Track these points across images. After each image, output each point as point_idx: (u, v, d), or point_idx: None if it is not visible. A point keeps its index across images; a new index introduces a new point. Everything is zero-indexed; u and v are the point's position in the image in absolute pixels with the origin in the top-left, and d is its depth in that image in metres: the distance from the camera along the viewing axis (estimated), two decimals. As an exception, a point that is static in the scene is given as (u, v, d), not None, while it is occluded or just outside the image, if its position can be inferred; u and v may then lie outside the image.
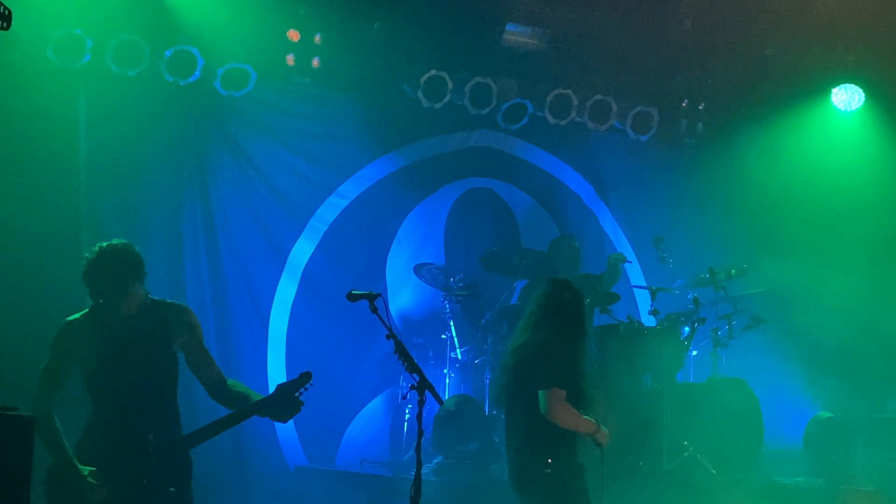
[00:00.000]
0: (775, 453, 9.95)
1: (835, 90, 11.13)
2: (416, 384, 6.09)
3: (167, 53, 9.43)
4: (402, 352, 6.18)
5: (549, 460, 6.64)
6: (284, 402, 6.29)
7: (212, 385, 6.36)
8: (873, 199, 10.80)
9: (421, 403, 6.08)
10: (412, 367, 6.17)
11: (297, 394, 6.34)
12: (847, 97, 11.11)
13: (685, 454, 9.29)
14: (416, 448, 6.08)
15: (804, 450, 10.03)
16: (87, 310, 6.17)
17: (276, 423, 9.73)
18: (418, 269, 10.13)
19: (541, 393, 6.63)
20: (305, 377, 6.39)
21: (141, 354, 6.14)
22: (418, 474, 6.04)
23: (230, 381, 6.40)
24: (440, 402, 6.20)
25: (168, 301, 6.30)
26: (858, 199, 10.82)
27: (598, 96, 11.00)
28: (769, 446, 9.81)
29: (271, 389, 9.63)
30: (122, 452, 6.02)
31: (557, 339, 6.74)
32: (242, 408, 6.23)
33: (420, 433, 6.05)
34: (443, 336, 9.97)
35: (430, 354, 10.04)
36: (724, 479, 9.04)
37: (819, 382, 10.44)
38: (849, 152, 11.15)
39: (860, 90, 11.09)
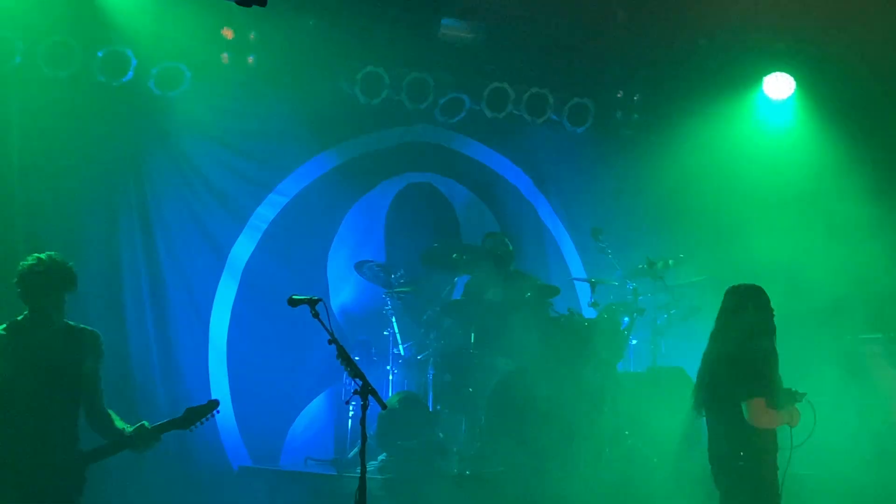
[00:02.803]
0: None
1: (766, 78, 11.27)
2: (358, 389, 6.16)
3: (99, 54, 9.33)
4: (344, 357, 6.27)
5: (742, 453, 6.88)
6: (185, 423, 6.58)
7: (95, 413, 6.46)
8: (804, 186, 10.95)
9: (364, 408, 6.14)
10: (355, 372, 6.24)
11: (202, 420, 6.52)
12: (778, 85, 11.26)
13: (626, 443, 9.42)
14: (360, 453, 6.14)
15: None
16: (6, 323, 6.25)
17: (218, 423, 9.82)
18: (359, 267, 10.13)
19: (743, 405, 6.82)
20: (213, 404, 6.53)
21: (52, 374, 6.24)
22: (363, 479, 6.10)
23: (111, 412, 6.52)
24: (383, 406, 6.27)
25: (83, 326, 6.46)
26: (790, 186, 10.96)
27: (535, 89, 11.05)
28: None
29: (213, 388, 9.86)
30: (21, 469, 6.10)
31: (753, 345, 6.90)
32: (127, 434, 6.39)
33: (364, 438, 6.12)
34: (385, 333, 9.98)
35: (373, 351, 10.04)
36: (665, 466, 9.16)
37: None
38: (780, 140, 11.30)
39: (791, 78, 11.24)
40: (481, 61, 10.88)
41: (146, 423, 6.50)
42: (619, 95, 11.61)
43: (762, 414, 6.83)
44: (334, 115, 10.57)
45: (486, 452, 9.19)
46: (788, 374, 7.13)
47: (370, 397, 6.17)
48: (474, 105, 10.92)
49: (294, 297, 6.36)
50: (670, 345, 10.41)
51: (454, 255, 10.08)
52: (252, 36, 9.93)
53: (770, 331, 7.02)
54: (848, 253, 10.15)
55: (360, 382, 6.18)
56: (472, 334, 9.67)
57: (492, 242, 10.30)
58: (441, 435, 9.38)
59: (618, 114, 11.67)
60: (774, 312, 7.10)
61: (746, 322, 6.98)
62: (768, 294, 7.18)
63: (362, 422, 6.11)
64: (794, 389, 7.01)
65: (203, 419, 6.60)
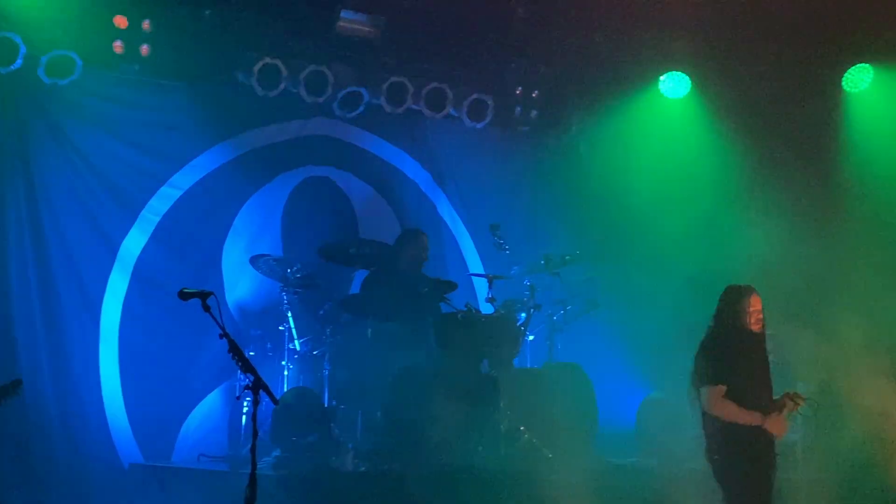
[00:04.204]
0: (609, 435, 10.19)
1: (662, 77, 11.42)
2: (250, 384, 6.08)
3: (-14, 40, 9.07)
4: (236, 351, 6.17)
5: (716, 452, 7.23)
6: None
7: None
8: (698, 183, 11.12)
9: (255, 404, 6.06)
10: (246, 367, 6.14)
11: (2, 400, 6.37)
12: (674, 85, 11.43)
13: (522, 439, 9.47)
14: (251, 449, 6.05)
15: (636, 431, 10.33)
16: None
17: (108, 419, 9.65)
18: (255, 261, 10.00)
19: (701, 390, 7.18)
20: (16, 384, 6.35)
21: None
22: (253, 476, 6.01)
23: None
24: (275, 401, 6.19)
25: None
26: (684, 183, 11.12)
27: (434, 84, 11.02)
28: (604, 428, 10.07)
29: (104, 384, 9.66)
30: None
31: (714, 338, 7.33)
32: None
33: (255, 434, 6.04)
34: (281, 328, 9.86)
35: (269, 346, 9.94)
36: (560, 462, 9.23)
37: (651, 364, 10.71)
38: (675, 138, 11.47)
39: (686, 78, 11.41)
40: (380, 55, 10.80)
41: None
42: (518, 92, 11.63)
43: (716, 402, 7.12)
44: (230, 107, 10.42)
45: (382, 448, 9.17)
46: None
47: (262, 393, 6.09)
48: (373, 99, 10.84)
49: (185, 290, 6.24)
50: (566, 341, 10.52)
51: (351, 250, 10.02)
52: (146, 25, 9.71)
53: (739, 327, 7.30)
54: (746, 248, 10.31)
55: (252, 378, 6.09)
56: (369, 329, 9.63)
57: (412, 237, 10.26)
58: (337, 431, 9.32)
59: (517, 110, 11.68)
60: (757, 315, 7.36)
61: (720, 316, 7.38)
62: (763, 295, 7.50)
63: (254, 418, 6.02)
64: (795, 392, 7.28)
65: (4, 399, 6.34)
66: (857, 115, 11.20)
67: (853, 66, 11.13)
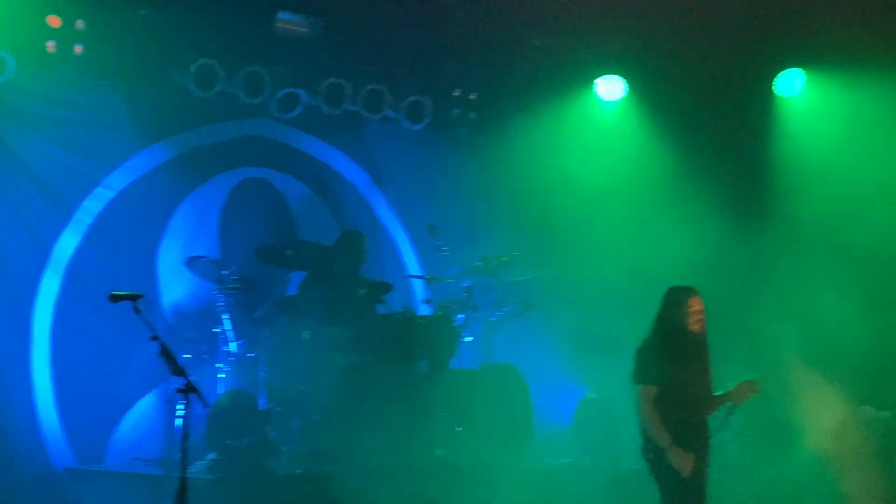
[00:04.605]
0: (546, 435, 10.25)
1: (598, 80, 11.51)
2: (181, 387, 6.07)
3: (-86, 40, 8.93)
4: (166, 355, 6.16)
5: (652, 448, 7.22)
6: None
7: None
8: (634, 185, 11.22)
9: (186, 407, 6.05)
10: (177, 370, 6.13)
11: None
12: (610, 88, 11.52)
13: (458, 440, 9.49)
14: (182, 452, 6.04)
15: (573, 431, 10.39)
16: None
17: (40, 422, 9.52)
18: (190, 263, 9.93)
19: (635, 388, 7.28)
20: None
21: None
22: (183, 480, 6.01)
23: None
24: (206, 404, 6.17)
25: None
26: (621, 185, 11.21)
27: (372, 85, 11.03)
28: (540, 428, 10.12)
29: (36, 386, 9.53)
30: None
31: (653, 338, 7.37)
32: None
33: (185, 438, 6.03)
34: (217, 330, 9.80)
35: (204, 349, 9.85)
36: (496, 462, 9.27)
37: (587, 365, 10.80)
38: (611, 141, 11.57)
39: (622, 81, 11.51)
40: (318, 56, 10.78)
41: None
42: (456, 94, 11.67)
43: (643, 402, 7.21)
44: (166, 107, 10.32)
45: (319, 451, 9.14)
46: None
47: (193, 396, 6.08)
48: (311, 100, 10.83)
49: (115, 293, 6.22)
50: (503, 342, 10.54)
51: (288, 252, 9.97)
52: (80, 24, 9.60)
53: (679, 327, 7.33)
54: (682, 248, 10.42)
55: (184, 381, 6.08)
56: (306, 331, 9.59)
57: (352, 238, 10.24)
58: (273, 434, 9.27)
59: (455, 112, 11.74)
60: (697, 315, 7.37)
61: (661, 316, 7.42)
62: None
63: (184, 420, 6.01)
64: (748, 382, 7.33)
65: None
66: (789, 119, 11.36)
67: (785, 70, 11.28)
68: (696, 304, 7.38)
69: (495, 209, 11.57)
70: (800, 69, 11.26)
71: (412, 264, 11.61)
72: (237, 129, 10.88)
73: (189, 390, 6.05)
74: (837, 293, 10.13)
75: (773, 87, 11.36)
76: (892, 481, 9.17)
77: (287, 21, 10.50)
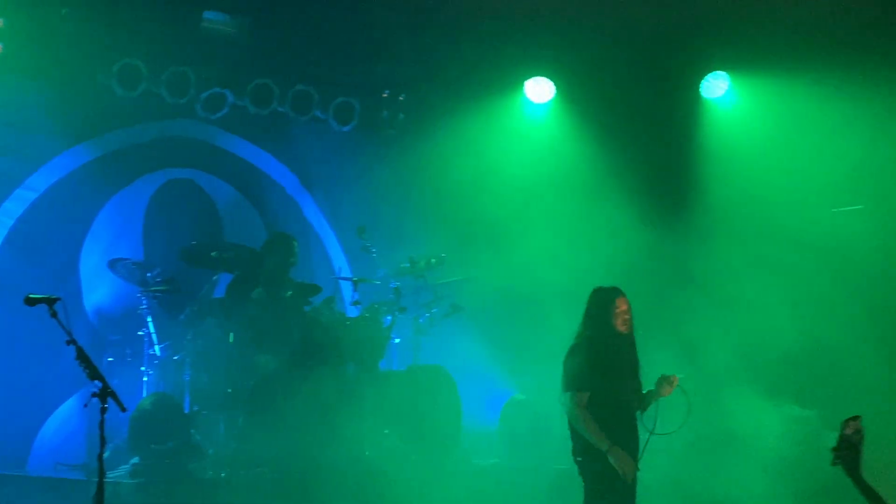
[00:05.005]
0: (474, 436, 10.27)
1: (528, 82, 11.56)
2: (97, 391, 5.98)
3: None
4: (83, 358, 6.07)
5: (579, 454, 7.26)
6: None
7: None
8: (563, 186, 11.28)
9: (103, 411, 5.97)
10: (94, 374, 6.04)
11: None
12: (539, 89, 11.57)
13: (387, 441, 9.47)
14: (98, 457, 5.96)
15: (500, 431, 10.42)
16: None
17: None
18: (113, 265, 9.80)
19: (564, 395, 7.19)
20: None
21: None
22: (101, 485, 5.93)
23: None
24: (122, 408, 6.08)
25: None
26: (549, 187, 11.27)
27: (300, 86, 10.98)
28: (468, 429, 10.13)
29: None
30: None
31: (580, 342, 7.32)
32: None
33: (103, 442, 5.95)
34: (140, 333, 9.68)
35: (128, 352, 9.73)
36: (425, 463, 9.26)
37: (515, 365, 10.84)
38: (541, 142, 11.62)
39: (551, 83, 11.57)
40: (245, 56, 10.71)
41: None
42: (385, 95, 11.65)
43: (575, 409, 7.18)
44: (89, 107, 10.20)
45: (244, 454, 9.06)
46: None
47: (110, 400, 5.99)
48: (237, 101, 10.75)
49: (31, 295, 6.14)
50: (432, 343, 10.53)
51: (213, 253, 9.88)
52: (0, 22, 9.46)
53: (606, 329, 7.32)
54: (610, 248, 10.48)
55: (100, 384, 5.98)
56: (232, 334, 9.51)
57: (281, 241, 10.17)
58: (197, 437, 9.18)
59: (384, 113, 11.71)
60: (624, 315, 7.36)
61: (587, 318, 7.41)
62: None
63: (101, 425, 5.93)
64: (667, 376, 7.32)
65: None
66: (713, 121, 11.49)
67: (710, 72, 11.41)
68: (622, 305, 7.36)
69: (424, 210, 11.53)
70: (725, 72, 11.39)
71: (341, 266, 11.56)
72: (162, 129, 10.77)
73: (105, 394, 5.94)
74: (762, 292, 10.27)
75: (699, 90, 11.47)
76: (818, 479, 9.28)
77: (213, 20, 10.43)
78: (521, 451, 10.09)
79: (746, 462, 9.33)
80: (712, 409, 9.64)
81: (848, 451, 4.68)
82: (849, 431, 4.64)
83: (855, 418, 4.70)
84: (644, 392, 7.48)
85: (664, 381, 7.34)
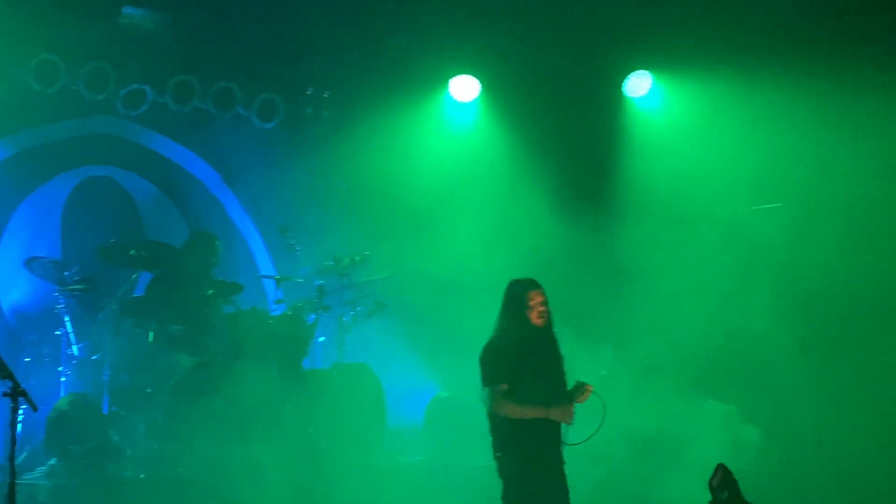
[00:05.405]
0: (398, 434, 10.26)
1: (452, 80, 11.57)
2: (9, 391, 5.89)
3: None
4: (-8, 358, 5.95)
5: (498, 449, 7.17)
6: None
7: None
8: (487, 184, 11.32)
9: (14, 411, 5.89)
10: (4, 373, 5.94)
11: None
12: (464, 87, 11.60)
13: (310, 440, 9.42)
14: (9, 458, 5.87)
15: (424, 429, 10.42)
16: None
17: None
18: (30, 263, 9.66)
19: (484, 391, 7.10)
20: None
21: None
22: (12, 486, 5.83)
23: None
24: (34, 408, 6.00)
25: None
26: (473, 184, 11.30)
27: (222, 83, 10.90)
28: (393, 427, 10.12)
29: None
30: None
31: (496, 336, 7.26)
32: None
33: (13, 443, 5.87)
34: (58, 332, 9.55)
35: (45, 352, 9.60)
36: (348, 462, 9.23)
37: (439, 363, 10.84)
38: (465, 140, 11.66)
39: (477, 81, 11.60)
40: (165, 52, 10.60)
41: None
42: (309, 92, 11.59)
43: (496, 401, 7.09)
44: (6, 103, 10.00)
45: (164, 454, 8.98)
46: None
47: (22, 399, 5.90)
48: (158, 97, 10.64)
49: (-65, 297, 6.01)
50: (356, 341, 10.51)
51: (132, 252, 9.74)
52: (-90, 18, 9.29)
53: (521, 322, 7.22)
54: (534, 244, 10.53)
55: (11, 384, 5.89)
56: (151, 333, 9.40)
57: (202, 240, 10.06)
58: (116, 438, 9.07)
59: (308, 110, 11.65)
60: (539, 308, 7.25)
61: (503, 312, 7.32)
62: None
63: (12, 425, 5.84)
64: (581, 383, 7.21)
65: None
66: (637, 119, 11.61)
67: (633, 71, 11.52)
68: (535, 297, 7.24)
69: (349, 209, 11.50)
70: (648, 71, 11.50)
71: (265, 264, 11.49)
72: (81, 126, 10.64)
73: (16, 394, 5.85)
74: (683, 286, 10.37)
75: (622, 89, 11.58)
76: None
77: (133, 16, 10.32)
78: (446, 449, 10.08)
79: (671, 462, 9.42)
80: (634, 406, 9.73)
81: (726, 493, 4.73)
82: (716, 483, 4.70)
83: (716, 471, 4.76)
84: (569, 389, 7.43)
85: (579, 388, 7.24)
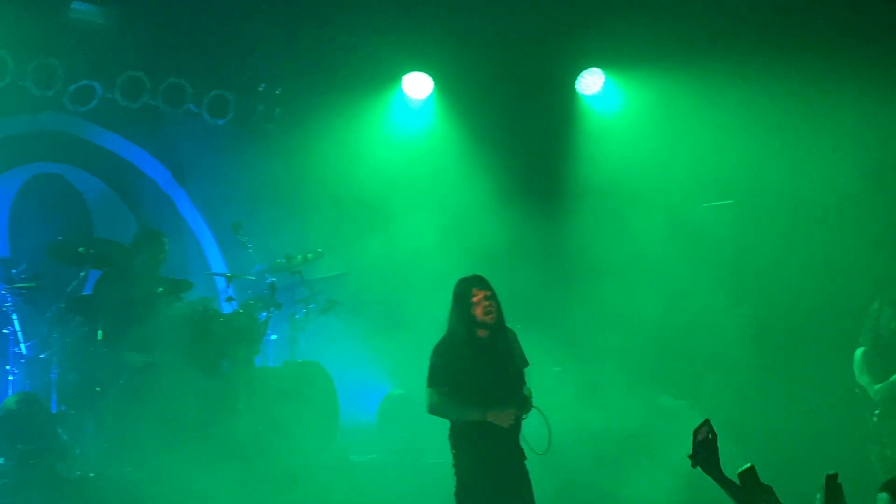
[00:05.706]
0: (352, 432, 10.24)
1: (405, 77, 11.56)
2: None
3: None
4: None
5: (453, 447, 7.09)
6: None
7: None
8: (440, 182, 11.33)
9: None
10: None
11: None
12: (417, 85, 11.59)
13: (262, 438, 9.37)
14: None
15: (378, 427, 10.40)
16: None
17: None
18: (-25, 262, 9.56)
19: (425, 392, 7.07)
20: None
21: None
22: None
23: None
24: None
25: None
26: (426, 182, 11.30)
27: (172, 79, 10.82)
28: (345, 425, 10.09)
29: None
30: None
31: (444, 336, 7.14)
32: None
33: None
34: (5, 330, 9.42)
35: (-8, 351, 9.50)
36: (300, 460, 9.19)
37: (392, 361, 10.82)
38: (418, 138, 11.67)
39: (430, 78, 11.60)
40: (114, 48, 10.51)
41: None
42: (261, 89, 11.54)
43: (433, 404, 7.03)
44: (-50, 100, 9.94)
45: (113, 452, 8.89)
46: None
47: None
48: (107, 93, 10.55)
49: None
50: (309, 339, 10.48)
51: (81, 249, 9.63)
52: None
53: (467, 320, 7.07)
54: (488, 240, 10.54)
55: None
56: (100, 331, 9.30)
57: (150, 237, 9.97)
58: (65, 436, 8.98)
59: (260, 107, 11.59)
60: (485, 304, 7.07)
61: (452, 310, 7.16)
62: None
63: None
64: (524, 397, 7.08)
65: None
66: (589, 115, 11.66)
67: (586, 69, 11.56)
68: (478, 293, 7.08)
69: (301, 205, 11.48)
70: (600, 68, 11.55)
71: (217, 261, 11.43)
72: (29, 122, 10.52)
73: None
74: (638, 283, 10.44)
75: (575, 85, 11.61)
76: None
77: (81, 11, 10.23)
78: (399, 447, 10.07)
79: (626, 459, 9.45)
80: (590, 403, 9.77)
81: (704, 453, 4.72)
82: (700, 438, 4.69)
83: (703, 423, 4.75)
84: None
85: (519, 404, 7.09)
